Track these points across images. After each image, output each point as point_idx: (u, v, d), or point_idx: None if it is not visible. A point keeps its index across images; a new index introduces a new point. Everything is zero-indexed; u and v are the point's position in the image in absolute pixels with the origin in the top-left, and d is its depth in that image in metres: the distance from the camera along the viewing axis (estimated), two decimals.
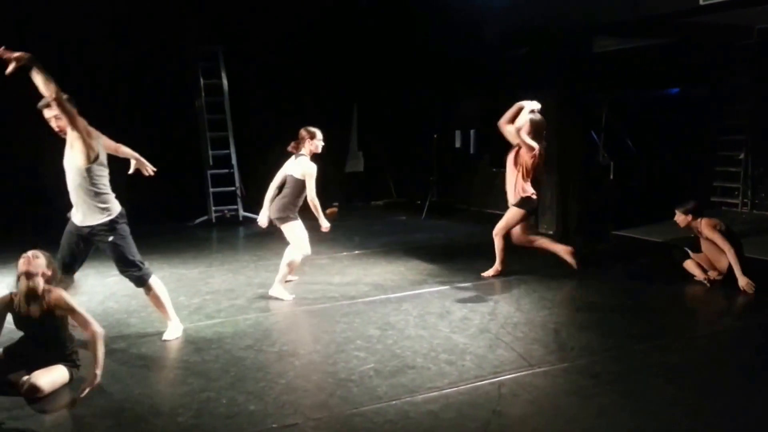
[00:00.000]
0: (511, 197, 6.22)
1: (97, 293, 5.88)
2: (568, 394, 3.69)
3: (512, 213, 6.21)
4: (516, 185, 6.14)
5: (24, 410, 3.51)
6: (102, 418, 3.41)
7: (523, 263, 6.68)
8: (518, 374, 3.91)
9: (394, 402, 3.56)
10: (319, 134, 5.80)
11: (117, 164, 5.02)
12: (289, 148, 5.78)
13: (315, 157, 5.83)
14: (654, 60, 9.15)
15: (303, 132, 5.76)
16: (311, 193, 5.56)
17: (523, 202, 6.15)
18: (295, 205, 5.67)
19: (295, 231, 5.62)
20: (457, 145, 11.02)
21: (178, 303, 5.54)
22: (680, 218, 6.00)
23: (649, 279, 6.28)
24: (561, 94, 8.19)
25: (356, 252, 7.56)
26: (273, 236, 7.12)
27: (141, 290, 5.94)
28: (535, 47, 8.47)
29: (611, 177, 8.89)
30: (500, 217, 6.38)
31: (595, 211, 8.28)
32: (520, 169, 6.10)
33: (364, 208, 11.24)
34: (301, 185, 5.60)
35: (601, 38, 8.25)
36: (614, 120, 9.24)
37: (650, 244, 7.73)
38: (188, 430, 3.28)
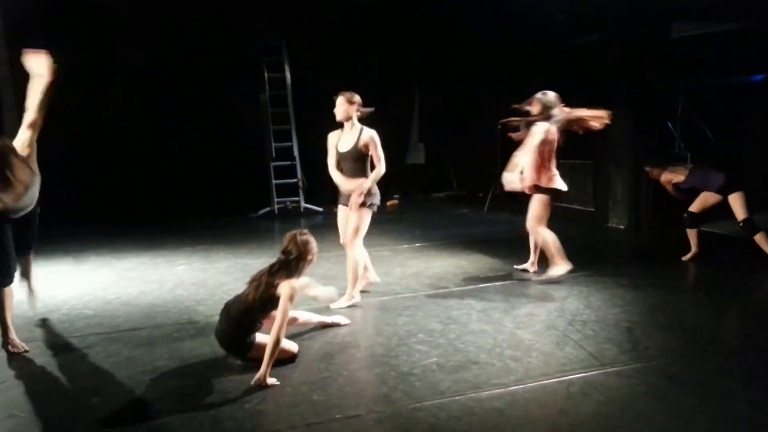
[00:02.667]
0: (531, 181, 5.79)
1: (166, 281, 6.04)
2: (641, 395, 3.52)
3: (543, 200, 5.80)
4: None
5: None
6: (173, 402, 3.49)
7: (594, 258, 6.48)
8: (588, 373, 3.77)
9: (457, 397, 3.49)
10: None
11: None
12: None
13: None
14: (736, 45, 8.65)
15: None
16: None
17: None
18: None
19: None
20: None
21: None
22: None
23: (728, 277, 5.97)
24: (634, 82, 7.87)
25: (417, 245, 7.50)
26: (333, 227, 7.14)
27: (210, 278, 6.11)
28: (607, 33, 8.16)
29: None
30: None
31: (670, 205, 7.92)
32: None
33: (425, 201, 11.16)
34: None
35: (679, 22, 7.86)
36: (692, 109, 8.82)
37: (729, 240, 7.35)
38: (254, 417, 3.32)
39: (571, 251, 6.14)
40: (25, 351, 4.20)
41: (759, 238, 6.16)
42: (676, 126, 8.75)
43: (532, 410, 3.36)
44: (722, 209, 6.41)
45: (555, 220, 6.20)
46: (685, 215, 6.50)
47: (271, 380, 3.69)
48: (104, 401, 3.51)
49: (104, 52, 9.39)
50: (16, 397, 3.47)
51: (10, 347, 4.20)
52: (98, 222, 8.65)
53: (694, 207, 6.44)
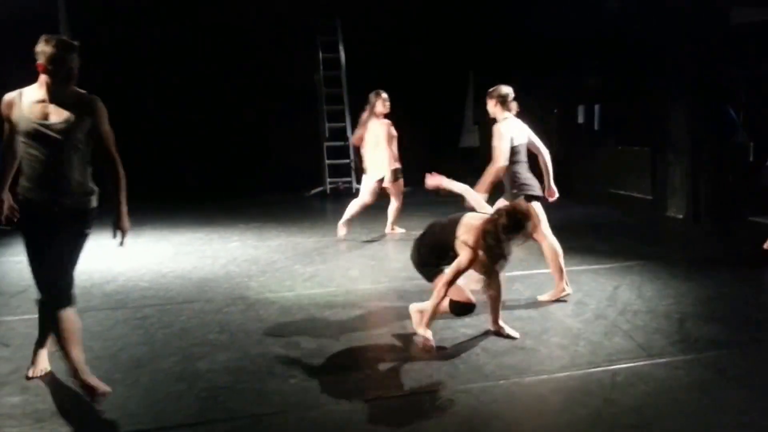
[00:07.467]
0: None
1: (219, 257, 6.20)
2: (689, 387, 3.45)
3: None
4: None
5: None
6: (221, 374, 3.60)
7: (649, 248, 6.32)
8: (635, 364, 3.70)
9: (501, 382, 3.49)
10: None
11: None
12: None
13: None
14: None
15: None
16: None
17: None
18: None
19: None
20: (580, 120, 10.53)
21: (293, 270, 5.74)
22: None
23: None
24: (693, 69, 7.60)
25: None
26: (384, 210, 7.20)
27: (261, 255, 6.25)
28: (666, 20, 7.88)
29: (750, 158, 8.16)
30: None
31: (731, 195, 7.63)
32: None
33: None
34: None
35: (740, 8, 7.54)
36: (755, 97, 8.44)
37: None
38: (299, 392, 3.39)
39: (627, 240, 6.03)
40: (105, 393, 3.21)
41: None
42: (740, 114, 8.41)
43: (575, 398, 3.33)
44: None
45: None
46: None
47: (428, 333, 3.86)
48: (157, 371, 3.66)
49: (162, 31, 9.63)
50: None
51: (89, 396, 3.20)
52: (156, 198, 8.91)
53: None
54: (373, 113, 6.89)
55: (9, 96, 3.26)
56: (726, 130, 7.77)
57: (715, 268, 5.78)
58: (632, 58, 8.67)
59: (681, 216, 7.94)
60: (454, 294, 3.91)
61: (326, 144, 10.21)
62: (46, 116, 3.18)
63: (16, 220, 3.32)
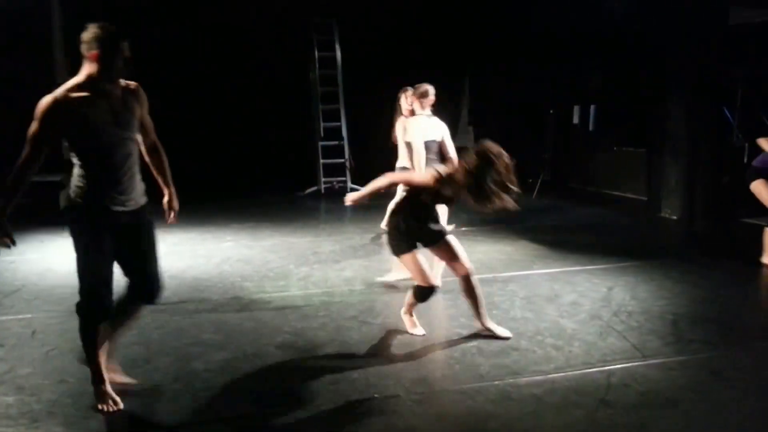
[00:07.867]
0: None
1: (213, 257, 6.19)
2: (683, 388, 3.46)
3: None
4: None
5: None
6: (217, 374, 3.60)
7: (644, 249, 6.33)
8: (630, 365, 3.72)
9: (496, 382, 3.49)
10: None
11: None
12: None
13: None
14: None
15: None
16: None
17: None
18: None
19: None
20: (575, 121, 10.57)
21: (287, 270, 5.73)
22: None
23: None
24: (692, 69, 7.62)
25: (462, 229, 7.46)
26: (379, 209, 7.20)
27: (255, 255, 6.24)
28: (663, 19, 7.91)
29: (745, 160, 8.21)
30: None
31: (726, 196, 7.67)
32: None
33: None
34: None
35: (738, 9, 7.57)
36: (751, 98, 8.49)
37: None
38: (295, 392, 3.39)
39: (621, 241, 6.04)
40: (118, 409, 3.13)
41: None
42: (735, 114, 8.45)
43: (570, 398, 3.33)
44: None
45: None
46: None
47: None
48: (152, 370, 3.65)
49: (157, 30, 9.59)
50: (67, 364, 3.62)
51: (101, 405, 3.13)
52: (150, 197, 8.89)
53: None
54: (399, 111, 6.71)
55: (52, 101, 2.82)
56: (725, 131, 7.81)
57: (710, 269, 5.81)
58: (631, 58, 8.70)
59: (676, 217, 7.97)
60: (417, 278, 4.00)
61: (321, 143, 10.21)
62: (108, 113, 2.91)
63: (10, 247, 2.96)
